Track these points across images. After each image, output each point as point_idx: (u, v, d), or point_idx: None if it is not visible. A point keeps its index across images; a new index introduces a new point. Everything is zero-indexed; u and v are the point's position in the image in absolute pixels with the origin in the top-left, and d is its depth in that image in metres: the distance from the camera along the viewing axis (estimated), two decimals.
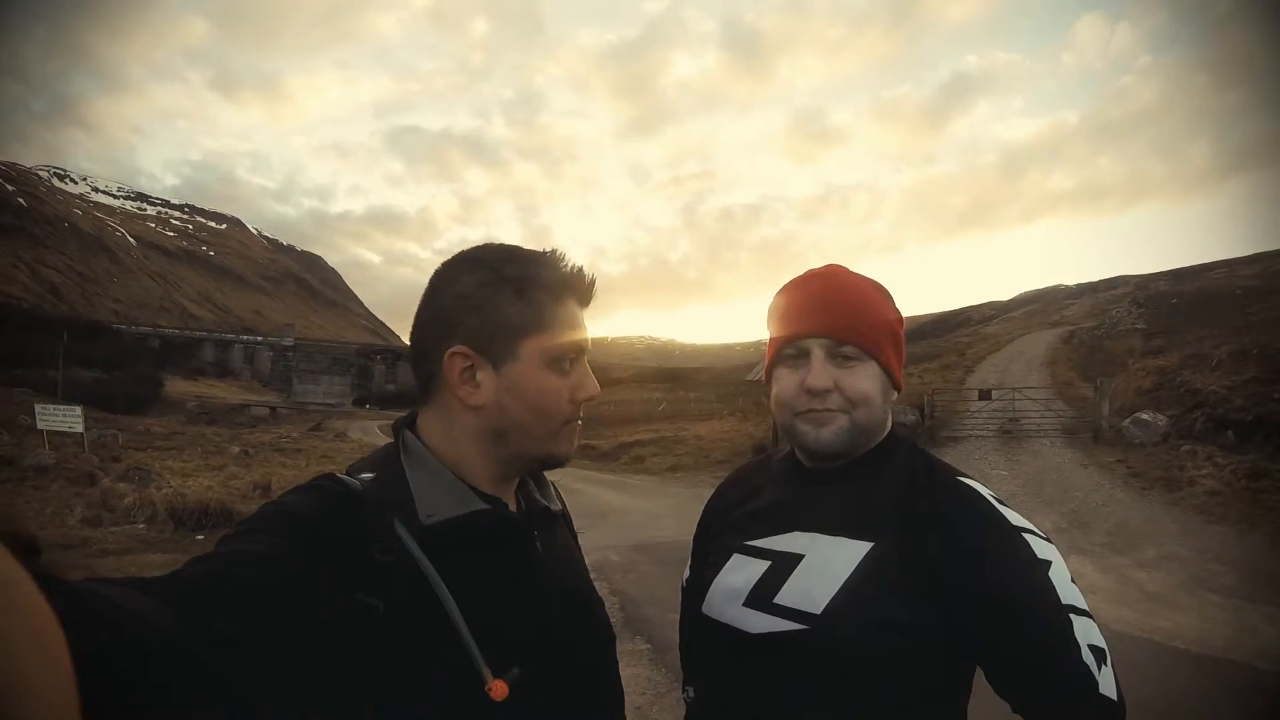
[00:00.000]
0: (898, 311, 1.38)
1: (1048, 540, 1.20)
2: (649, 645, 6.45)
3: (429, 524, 1.03)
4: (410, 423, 1.17)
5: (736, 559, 1.34)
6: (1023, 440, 19.71)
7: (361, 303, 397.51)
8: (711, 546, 1.45)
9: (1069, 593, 1.14)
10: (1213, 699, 5.29)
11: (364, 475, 1.07)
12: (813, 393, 1.28)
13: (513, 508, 1.19)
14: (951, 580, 1.15)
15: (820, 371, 1.28)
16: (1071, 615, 1.12)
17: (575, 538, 1.37)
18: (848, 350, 1.28)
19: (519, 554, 1.14)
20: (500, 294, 1.10)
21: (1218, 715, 5.08)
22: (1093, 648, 1.11)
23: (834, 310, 1.30)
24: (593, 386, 1.18)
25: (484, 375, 1.11)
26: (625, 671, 5.94)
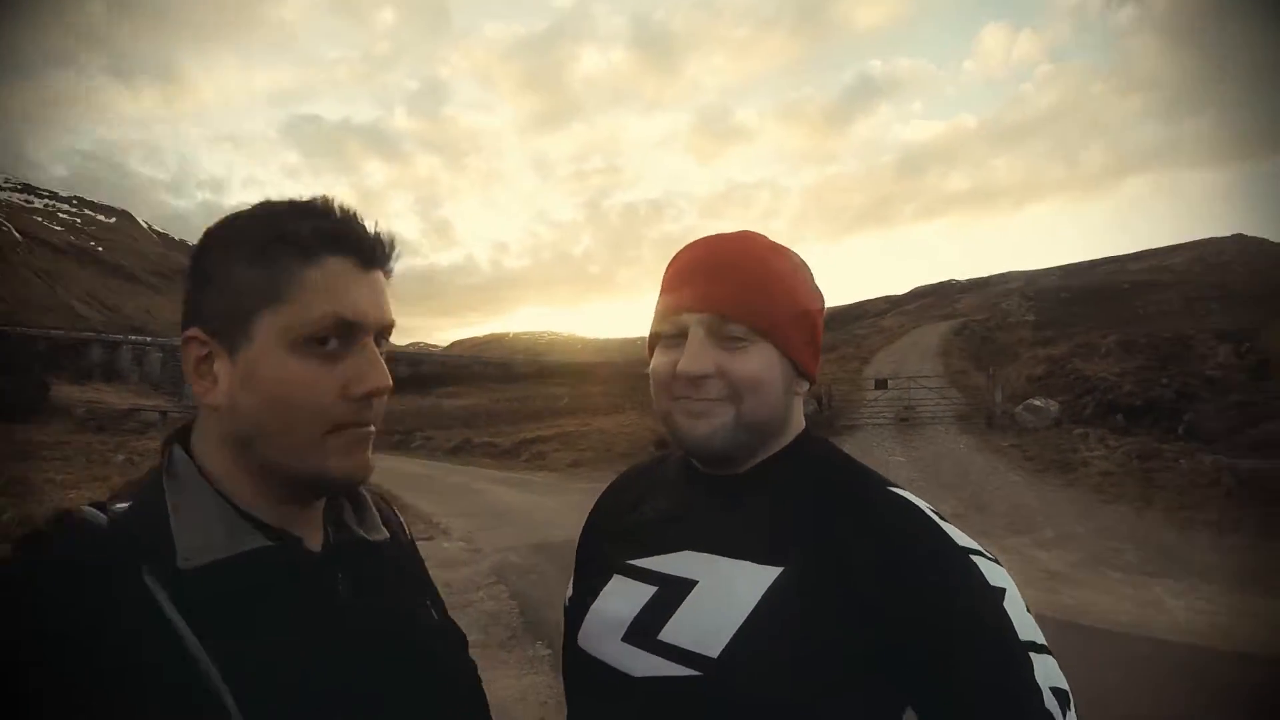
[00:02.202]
0: (812, 288, 1.16)
1: (997, 562, 1.00)
2: (550, 651, 6.15)
3: (188, 570, 0.81)
4: (184, 434, 0.94)
5: (617, 581, 1.13)
6: (919, 427, 20.03)
7: None
8: (591, 563, 1.25)
9: (1026, 626, 0.94)
10: (1124, 673, 5.27)
11: (118, 506, 0.87)
12: (687, 379, 1.06)
13: (313, 541, 0.95)
14: (883, 615, 0.93)
15: (697, 354, 1.06)
16: (1031, 654, 0.92)
17: (417, 567, 1.14)
18: (734, 330, 1.06)
19: (313, 603, 0.90)
20: (235, 257, 0.88)
21: (1129, 689, 5.04)
22: (1055, 690, 0.92)
23: (719, 281, 1.08)
24: (376, 378, 0.90)
25: (220, 365, 0.88)
26: (525, 680, 5.76)
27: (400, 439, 31.61)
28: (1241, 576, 7.83)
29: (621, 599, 1.10)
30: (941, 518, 1.01)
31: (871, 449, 17.53)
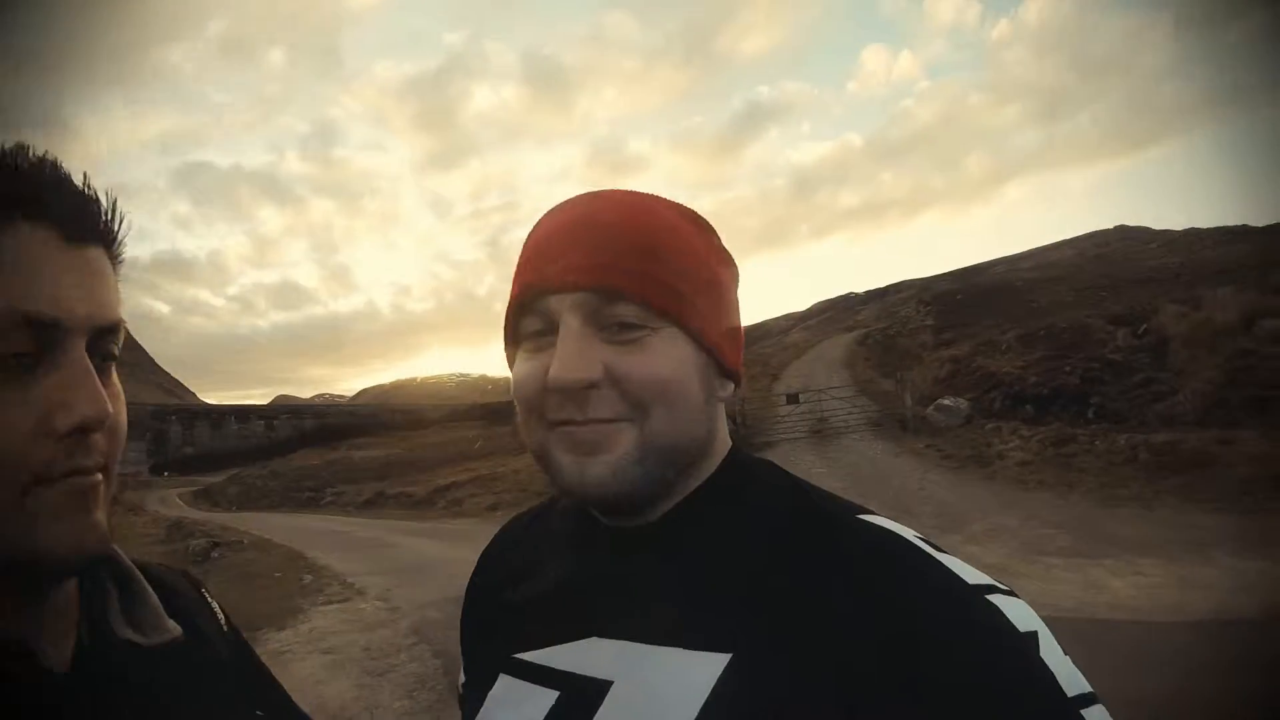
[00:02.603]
0: (724, 252, 0.87)
1: (1014, 595, 0.70)
2: None
3: None
4: None
5: (505, 685, 0.83)
6: (834, 438, 20.12)
7: (152, 358, 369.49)
8: (474, 658, 0.95)
9: (1070, 677, 0.66)
10: (1077, 658, 5.09)
11: None
12: (563, 393, 0.75)
13: (57, 652, 0.73)
14: (888, 698, 0.63)
15: (574, 353, 0.74)
16: (1083, 711, 0.64)
17: (233, 674, 0.90)
18: (626, 313, 0.75)
19: None
20: None
21: (1087, 674, 4.88)
22: None
23: (599, 245, 0.77)
24: (87, 403, 0.66)
25: None
26: None
27: (310, 496, 30.80)
28: (1175, 546, 7.98)
29: (513, 711, 0.80)
30: (935, 547, 0.73)
31: (791, 463, 17.33)
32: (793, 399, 23.34)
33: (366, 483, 32.13)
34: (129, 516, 26.26)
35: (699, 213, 0.86)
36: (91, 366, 0.67)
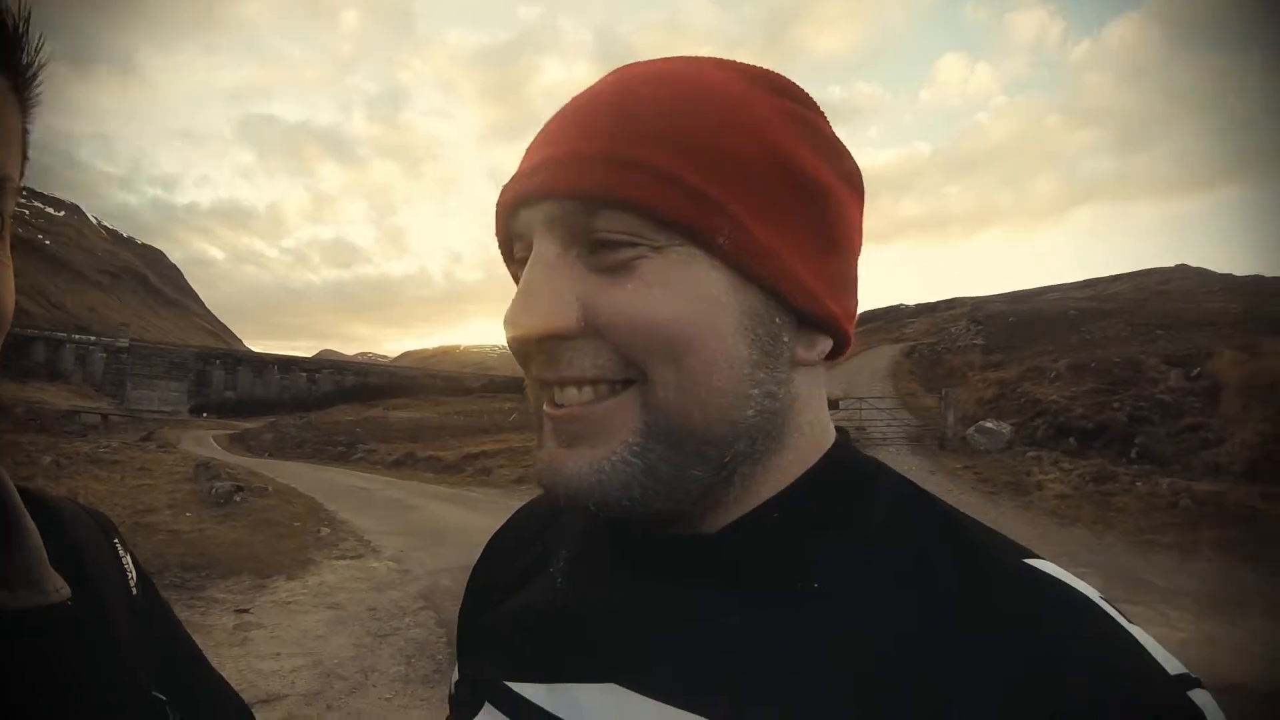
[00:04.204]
0: (820, 134, 0.60)
1: (1201, 685, 0.49)
2: None
3: None
4: None
5: (489, 717, 0.63)
6: (870, 448, 19.67)
7: (203, 302, 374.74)
8: (466, 658, 0.73)
9: None
10: None
11: None
12: (524, 348, 0.57)
13: None
14: None
15: (534, 288, 0.55)
16: None
17: (132, 637, 0.73)
18: (610, 224, 0.53)
19: None
20: None
21: None
22: None
23: (591, 127, 0.56)
24: None
25: None
26: None
27: (342, 450, 31.05)
28: (1209, 602, 7.69)
29: None
30: (1122, 614, 0.51)
31: None
32: (832, 404, 22.88)
33: (398, 442, 32.31)
34: (160, 454, 26.81)
35: (789, 80, 0.61)
36: None
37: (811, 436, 0.60)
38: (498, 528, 0.85)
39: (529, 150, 0.59)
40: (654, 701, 0.53)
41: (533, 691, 0.60)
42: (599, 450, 0.54)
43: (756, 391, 0.55)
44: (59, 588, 0.65)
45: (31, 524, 0.66)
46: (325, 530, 11.77)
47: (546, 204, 0.55)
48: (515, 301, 0.55)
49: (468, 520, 13.95)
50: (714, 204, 0.52)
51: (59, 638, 0.64)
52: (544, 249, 0.55)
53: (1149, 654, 0.48)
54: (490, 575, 0.78)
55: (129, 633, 0.72)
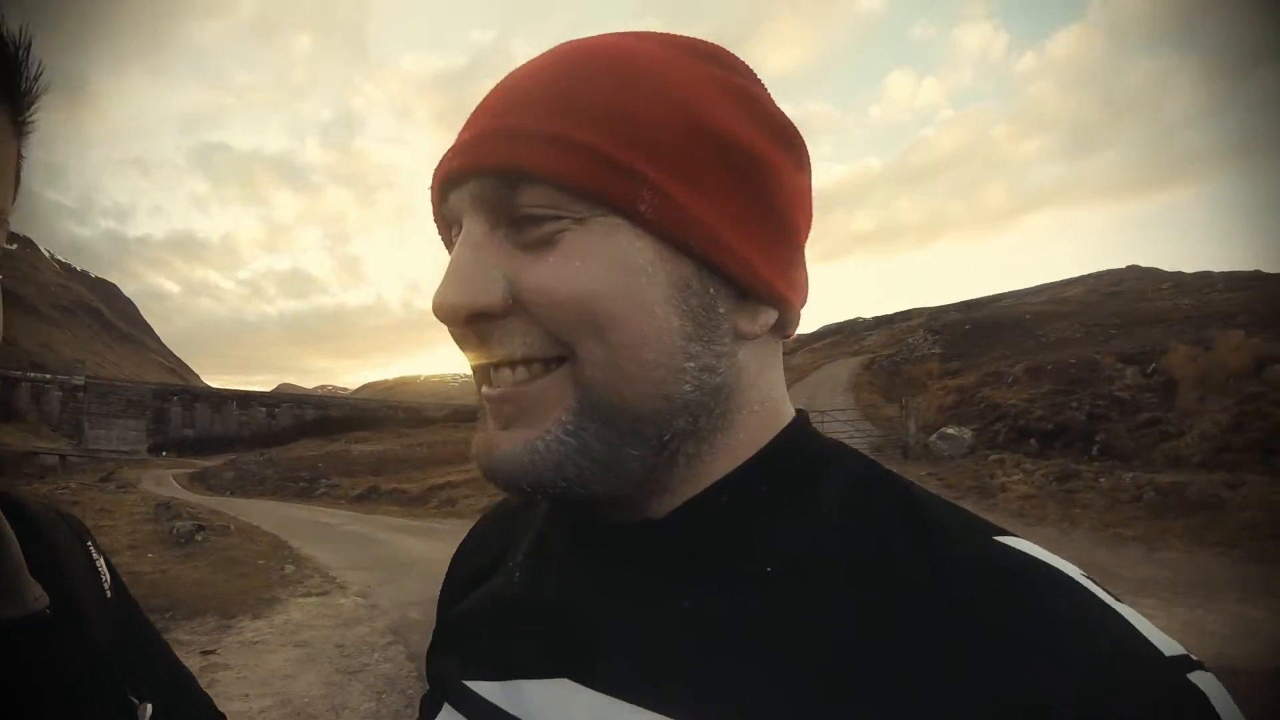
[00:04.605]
0: (757, 104, 0.58)
1: (1206, 670, 0.45)
2: None
3: None
4: None
5: (448, 717, 0.62)
6: None
7: (158, 337, 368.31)
8: (430, 661, 0.70)
9: None
10: None
11: None
12: (451, 327, 0.56)
13: None
14: None
15: (457, 267, 0.54)
16: None
17: (110, 643, 0.73)
18: (532, 199, 0.52)
19: None
20: None
21: None
22: None
23: (513, 102, 0.55)
24: None
25: None
26: None
27: (304, 486, 30.74)
28: (1178, 589, 7.86)
29: None
30: (1105, 589, 0.48)
31: None
32: None
33: (362, 476, 32.08)
34: (120, 495, 26.30)
35: (722, 48, 0.60)
36: None
37: (764, 415, 0.58)
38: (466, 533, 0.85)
39: (459, 133, 0.58)
40: (603, 695, 0.51)
41: (489, 690, 0.58)
42: (533, 431, 0.53)
43: (691, 365, 0.53)
44: (38, 596, 0.64)
45: (10, 533, 0.65)
46: (290, 567, 11.58)
47: (471, 183, 0.54)
48: (443, 281, 0.54)
49: (434, 552, 13.74)
50: (633, 172, 0.51)
51: (38, 645, 0.64)
52: (471, 228, 0.55)
53: (1141, 635, 0.44)
54: (457, 576, 0.78)
55: (105, 636, 0.72)
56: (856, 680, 0.44)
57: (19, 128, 0.59)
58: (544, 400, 0.53)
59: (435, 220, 0.62)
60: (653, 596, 0.54)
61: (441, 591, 0.80)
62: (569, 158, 0.51)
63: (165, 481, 40.11)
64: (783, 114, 0.60)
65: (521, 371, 0.54)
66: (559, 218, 0.52)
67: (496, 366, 0.55)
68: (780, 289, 0.57)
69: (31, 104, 0.59)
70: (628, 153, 0.51)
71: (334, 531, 17.37)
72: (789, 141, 0.59)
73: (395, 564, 12.49)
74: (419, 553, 13.86)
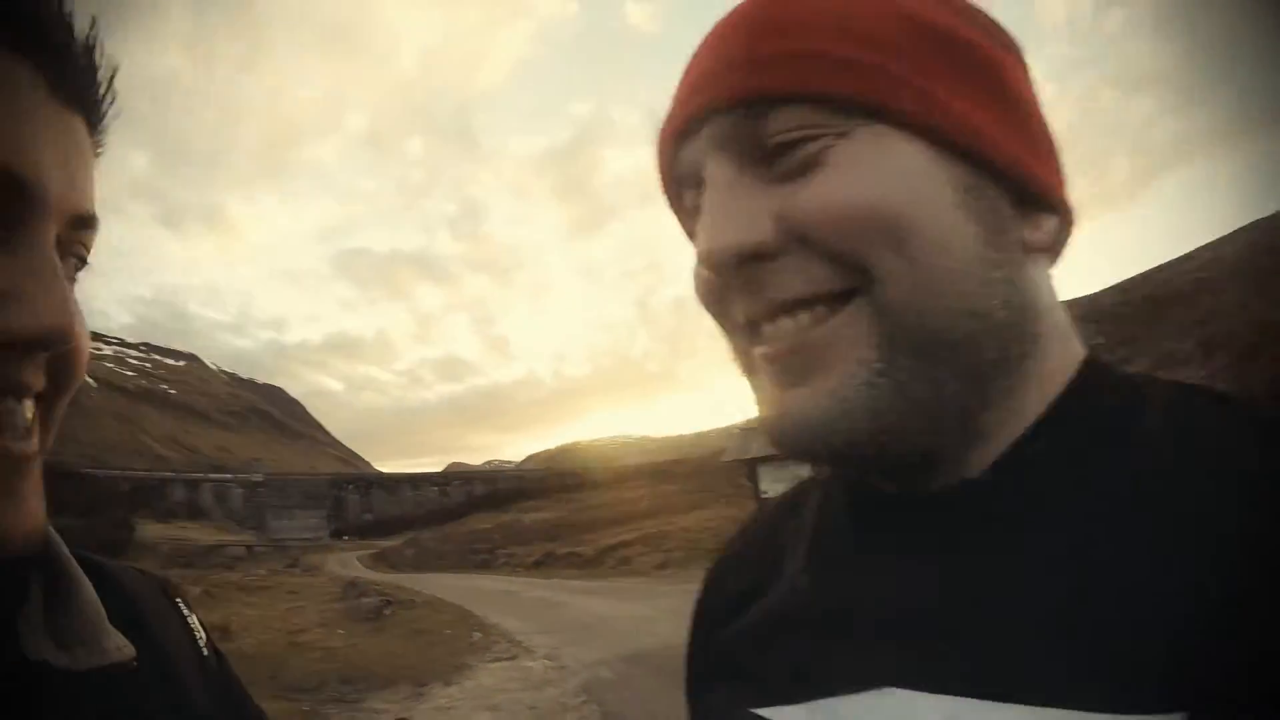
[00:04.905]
0: (985, 19, 0.54)
1: None
2: None
3: None
4: None
5: None
6: None
7: (328, 432, 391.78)
8: (699, 701, 0.64)
9: None
10: None
11: None
12: (725, 277, 0.50)
13: None
14: None
15: (719, 210, 0.49)
16: None
17: (200, 701, 0.65)
18: (783, 122, 0.47)
19: None
20: None
21: None
22: None
23: (742, 36, 0.50)
24: (53, 310, 0.47)
25: None
26: None
27: (484, 558, 31.43)
28: None
29: None
30: None
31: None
32: None
33: (536, 543, 32.61)
34: (307, 577, 27.50)
35: None
36: (60, 266, 0.48)
37: (1066, 340, 0.51)
38: (719, 556, 0.75)
39: (678, 89, 0.54)
40: (948, 698, 0.43)
41: (792, 715, 0.51)
42: (834, 379, 0.46)
43: (998, 274, 0.47)
44: (120, 646, 0.58)
45: (84, 579, 0.59)
46: (477, 635, 11.78)
47: (711, 125, 0.50)
48: (702, 232, 0.49)
49: (615, 611, 13.85)
50: (888, 74, 0.47)
51: (127, 697, 0.58)
52: (717, 173, 0.49)
53: None
54: (721, 593, 0.67)
55: (201, 695, 0.66)
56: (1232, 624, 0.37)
57: (95, 137, 0.55)
58: (839, 342, 0.46)
59: (665, 189, 0.58)
60: (986, 572, 0.45)
61: (699, 616, 0.70)
62: (819, 69, 0.47)
63: (349, 563, 41.81)
64: (997, 22, 0.54)
65: (804, 317, 0.47)
66: (818, 136, 0.47)
67: (773, 319, 0.48)
68: (1060, 192, 0.51)
69: (107, 112, 0.55)
70: (876, 55, 0.47)
71: (516, 598, 17.62)
72: (1010, 46, 0.54)
73: (579, 625, 12.41)
74: (601, 612, 13.87)
